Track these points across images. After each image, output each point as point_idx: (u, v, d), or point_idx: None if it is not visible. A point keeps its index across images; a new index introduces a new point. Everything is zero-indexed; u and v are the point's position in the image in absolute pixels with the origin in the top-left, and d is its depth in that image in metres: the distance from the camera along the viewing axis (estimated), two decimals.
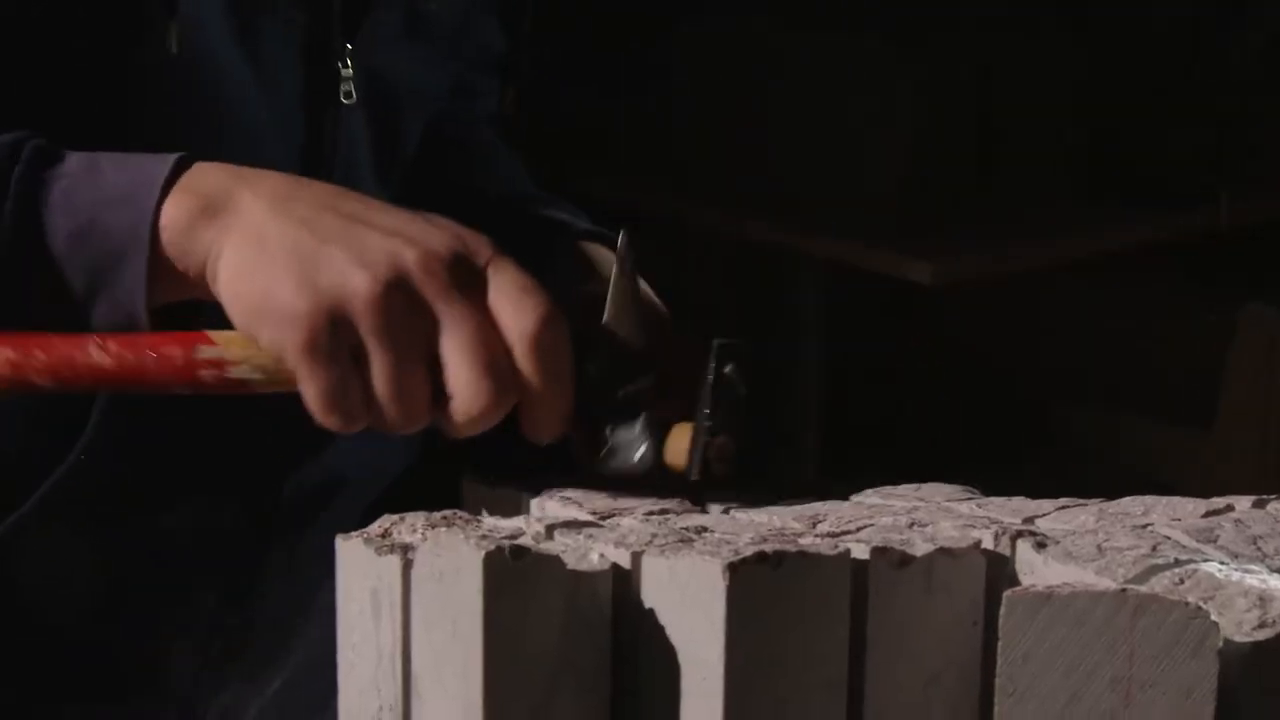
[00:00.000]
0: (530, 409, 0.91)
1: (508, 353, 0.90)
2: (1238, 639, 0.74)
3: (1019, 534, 0.81)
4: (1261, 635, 0.74)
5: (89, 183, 0.93)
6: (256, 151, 1.02)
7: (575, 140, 2.78)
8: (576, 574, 0.80)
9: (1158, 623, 0.73)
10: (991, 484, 0.94)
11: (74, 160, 0.94)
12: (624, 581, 0.81)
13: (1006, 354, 2.95)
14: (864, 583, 0.79)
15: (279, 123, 1.09)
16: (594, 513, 0.91)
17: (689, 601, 0.78)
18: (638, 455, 0.94)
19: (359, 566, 0.85)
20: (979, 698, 0.80)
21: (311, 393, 0.90)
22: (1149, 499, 0.88)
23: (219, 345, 0.92)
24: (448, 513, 0.87)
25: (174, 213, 0.92)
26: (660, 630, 0.79)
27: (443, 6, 1.16)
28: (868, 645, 0.79)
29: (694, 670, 0.78)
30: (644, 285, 1.01)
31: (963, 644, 0.80)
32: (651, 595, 0.80)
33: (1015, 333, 2.95)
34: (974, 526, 0.83)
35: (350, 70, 1.12)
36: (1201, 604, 0.74)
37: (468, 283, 0.90)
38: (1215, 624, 0.73)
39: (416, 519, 0.86)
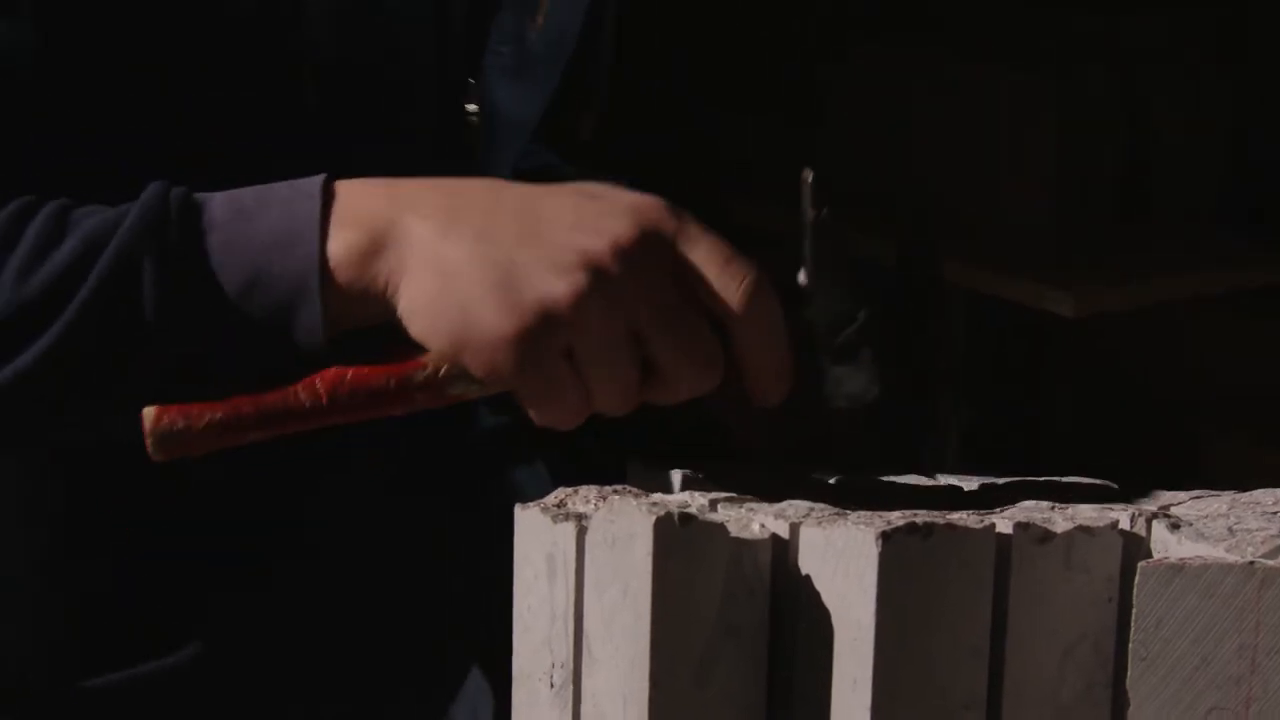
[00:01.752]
0: (753, 378, 0.92)
1: (712, 327, 0.90)
2: None
3: (1154, 516, 0.87)
4: None
5: (242, 231, 0.92)
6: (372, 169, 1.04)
7: (721, 163, 2.84)
8: (739, 541, 0.86)
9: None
10: None
11: (217, 207, 0.93)
12: (782, 550, 0.87)
13: (1149, 385, 2.98)
14: (1007, 556, 0.85)
15: (409, 153, 1.08)
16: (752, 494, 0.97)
17: (844, 568, 0.84)
18: (862, 388, 0.95)
19: (535, 534, 0.91)
20: (1112, 671, 0.85)
21: (531, 401, 0.91)
22: (1267, 489, 0.93)
23: (429, 368, 0.92)
24: (619, 486, 0.93)
25: (340, 251, 0.91)
26: (816, 595, 0.85)
27: (541, 37, 1.17)
28: (1009, 615, 0.85)
29: (847, 632, 0.84)
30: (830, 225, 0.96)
31: (1098, 618, 0.85)
32: (808, 563, 0.86)
33: (1158, 364, 2.98)
34: (1112, 509, 0.88)
35: (476, 105, 1.14)
36: None
37: (660, 262, 0.89)
38: None
39: (590, 491, 0.92)
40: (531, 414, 0.92)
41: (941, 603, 0.84)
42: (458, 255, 0.89)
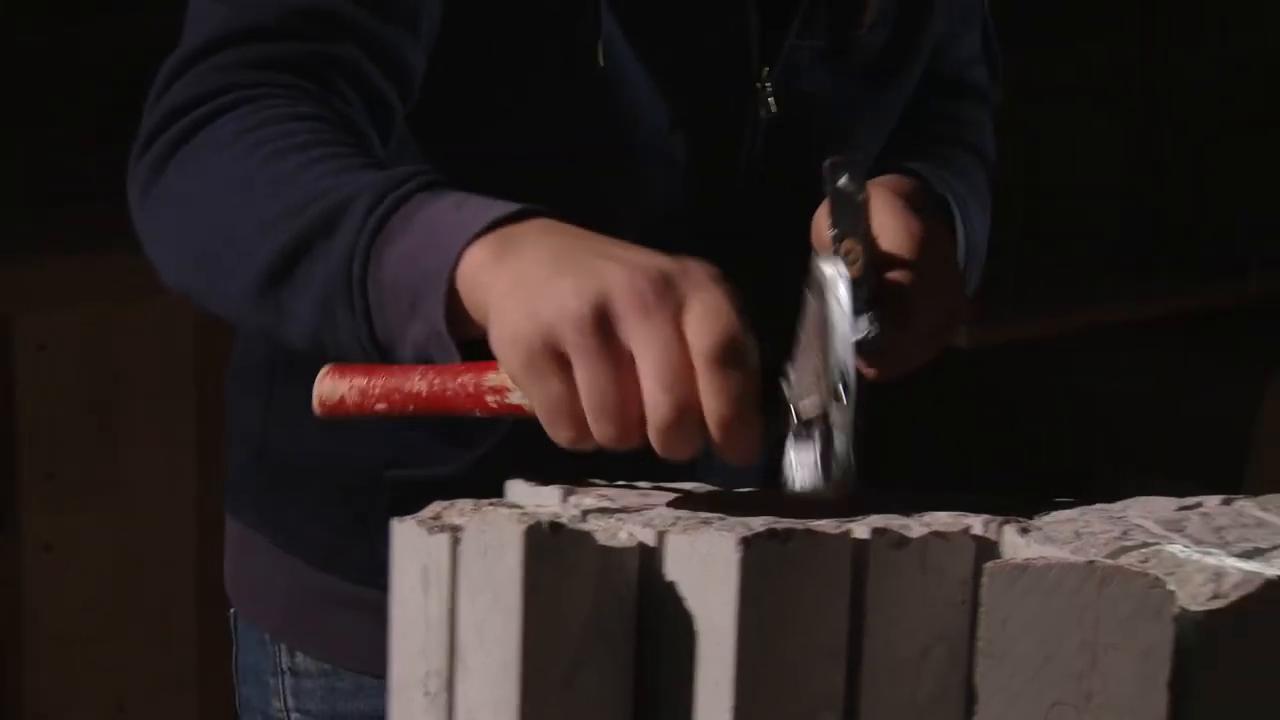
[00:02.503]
0: (713, 429, 0.94)
1: (691, 373, 0.93)
2: (1193, 609, 0.83)
3: (1005, 521, 0.90)
4: (1215, 605, 0.83)
5: (444, 212, 1.02)
6: (653, 157, 1.23)
7: None
8: (606, 549, 0.89)
9: (1121, 592, 0.82)
10: None
11: (449, 198, 1.04)
12: (649, 558, 0.90)
13: (1042, 417, 3.03)
14: (864, 561, 0.88)
15: (683, 131, 1.25)
16: (625, 507, 1.00)
17: (707, 574, 0.87)
18: (810, 477, 0.95)
19: (412, 546, 0.94)
20: (966, 669, 0.89)
21: (537, 409, 0.96)
22: (1129, 499, 0.97)
23: (500, 374, 1.00)
24: (493, 500, 0.96)
25: (476, 253, 1.00)
26: (680, 601, 0.88)
27: (877, 33, 1.29)
28: (866, 618, 0.88)
29: (709, 636, 0.87)
30: (843, 301, 0.98)
31: (952, 620, 0.89)
32: (674, 569, 0.89)
33: (1050, 396, 3.03)
34: (966, 515, 0.92)
35: (769, 87, 1.26)
36: (1161, 577, 0.82)
37: (664, 304, 0.94)
38: (1172, 593, 0.82)
39: (465, 504, 0.95)
40: (545, 428, 0.97)
41: (800, 607, 0.87)
42: (534, 273, 0.97)
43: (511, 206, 1.01)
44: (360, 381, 1.04)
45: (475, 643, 0.91)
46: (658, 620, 0.90)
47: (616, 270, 0.95)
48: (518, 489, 1.05)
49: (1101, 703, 0.82)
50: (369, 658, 1.27)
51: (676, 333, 0.94)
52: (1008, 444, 3.03)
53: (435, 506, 0.95)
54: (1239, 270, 2.80)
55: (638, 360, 0.94)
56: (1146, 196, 2.92)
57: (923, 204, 1.24)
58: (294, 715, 1.39)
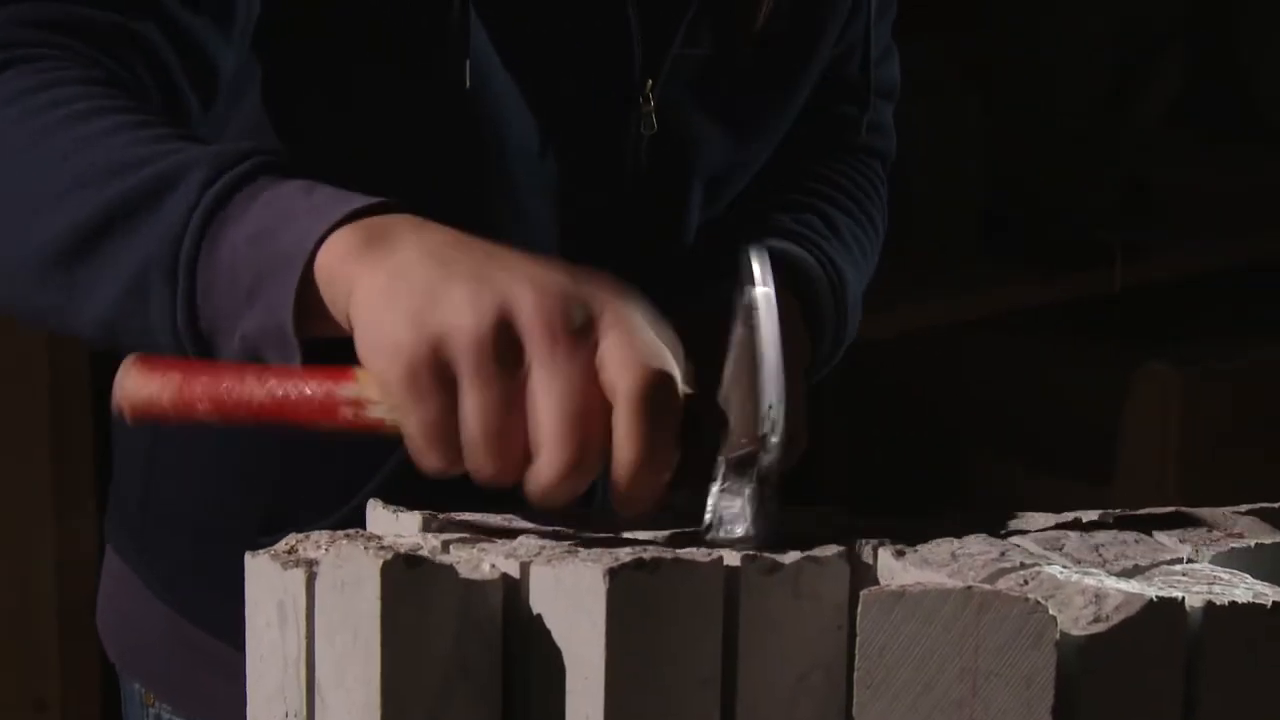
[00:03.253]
0: (619, 475, 0.86)
1: (602, 409, 0.85)
2: (1075, 633, 0.81)
3: (881, 544, 0.88)
4: (1096, 629, 0.81)
5: (295, 196, 0.91)
6: (528, 177, 1.13)
7: None
8: (469, 582, 0.86)
9: (1000, 617, 0.80)
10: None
11: (296, 182, 0.92)
12: (514, 590, 0.87)
13: (915, 409, 3.02)
14: (736, 588, 0.85)
15: (558, 148, 1.14)
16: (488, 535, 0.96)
17: (573, 605, 0.84)
18: (740, 529, 0.89)
19: (266, 581, 0.90)
20: (844, 696, 0.86)
21: (410, 428, 0.86)
22: (1005, 513, 0.94)
23: (359, 383, 0.89)
24: (350, 531, 0.92)
25: (339, 240, 0.89)
26: (547, 634, 0.85)
27: (769, 39, 1.18)
28: (740, 646, 0.85)
29: (578, 670, 0.84)
30: (770, 341, 0.90)
31: (829, 646, 0.86)
32: (539, 602, 0.86)
33: (922, 388, 3.03)
34: (841, 538, 0.89)
35: (651, 105, 1.15)
36: (1041, 601, 0.80)
37: (574, 330, 0.84)
38: (1053, 618, 0.80)
39: (321, 536, 0.91)
40: (412, 451, 0.88)
41: (671, 636, 0.84)
42: (414, 270, 0.87)
43: (370, 198, 0.90)
44: (175, 378, 0.91)
45: (335, 682, 0.87)
46: (525, 654, 0.87)
47: (520, 284, 0.85)
48: (377, 515, 1.01)
49: None
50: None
51: (589, 366, 0.84)
52: (884, 435, 3.03)
53: (291, 539, 0.91)
54: (1105, 260, 2.81)
55: (539, 392, 0.84)
56: (1011, 189, 2.92)
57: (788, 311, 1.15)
58: None
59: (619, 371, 0.84)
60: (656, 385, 0.84)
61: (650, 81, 1.16)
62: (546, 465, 0.85)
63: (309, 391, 0.90)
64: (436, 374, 0.85)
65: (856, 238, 1.23)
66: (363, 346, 0.87)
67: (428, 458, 0.87)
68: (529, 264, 0.87)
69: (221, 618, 1.21)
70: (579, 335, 0.84)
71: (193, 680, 1.29)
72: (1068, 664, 0.81)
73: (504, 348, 0.84)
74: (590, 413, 0.84)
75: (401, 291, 0.86)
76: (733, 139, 1.21)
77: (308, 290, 0.89)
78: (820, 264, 1.18)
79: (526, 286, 0.85)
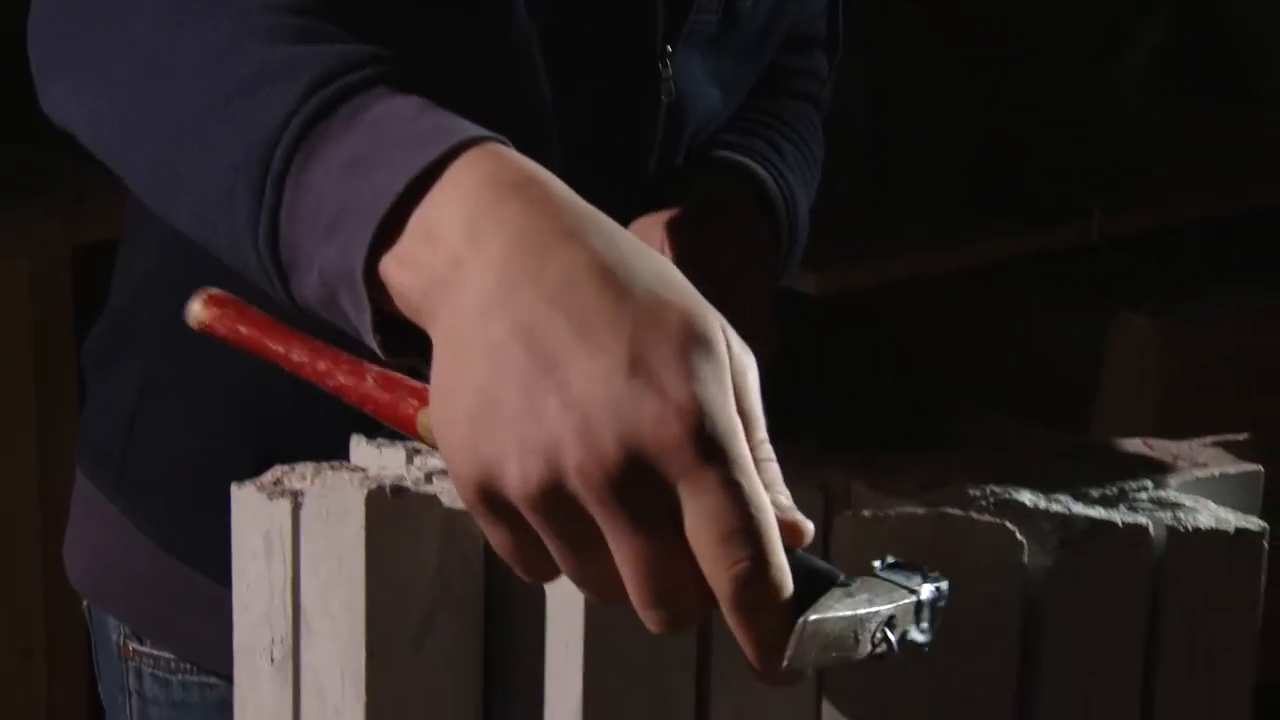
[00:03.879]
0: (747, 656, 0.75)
1: (692, 580, 0.73)
2: (1043, 556, 0.83)
3: (854, 473, 0.90)
4: (1064, 553, 0.83)
5: (403, 119, 0.81)
6: (563, 130, 1.08)
7: None
8: (451, 511, 0.88)
9: (970, 540, 0.82)
10: None
11: (409, 99, 0.82)
12: None
13: (894, 361, 3.05)
14: None
15: (592, 107, 1.10)
16: None
17: None
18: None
19: (252, 512, 0.92)
20: None
21: (491, 542, 0.77)
22: (982, 449, 0.96)
23: (422, 425, 0.81)
24: (335, 463, 0.94)
25: (440, 202, 0.78)
26: None
27: (756, 3, 1.17)
28: None
29: (559, 596, 0.86)
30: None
31: None
32: None
33: (900, 340, 3.05)
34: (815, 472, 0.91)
35: (670, 70, 1.11)
36: (1010, 525, 0.82)
37: (639, 502, 0.72)
38: (1021, 542, 0.82)
39: (306, 468, 0.93)
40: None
41: None
42: (468, 356, 0.75)
43: (472, 130, 0.79)
44: (242, 332, 0.87)
45: (320, 609, 0.89)
46: (506, 581, 0.89)
47: (571, 437, 0.72)
48: (361, 449, 1.03)
49: (953, 649, 0.82)
50: (220, 656, 1.13)
51: (661, 537, 0.72)
52: (861, 389, 3.05)
53: (276, 471, 0.93)
54: (1083, 214, 2.83)
55: (616, 555, 0.73)
56: (994, 143, 2.94)
57: (748, 220, 1.17)
58: None
59: (711, 566, 0.72)
60: (751, 583, 0.72)
61: (669, 48, 1.13)
62: (642, 618, 0.75)
63: (368, 406, 0.83)
64: (496, 507, 0.75)
65: (799, 164, 1.24)
66: (433, 415, 0.77)
67: (517, 569, 0.77)
68: (590, 366, 0.72)
69: (209, 555, 1.20)
70: (648, 506, 0.72)
71: (174, 615, 1.27)
72: (1035, 587, 0.83)
73: (557, 505, 0.73)
74: (676, 576, 0.73)
75: (458, 387, 0.75)
76: (723, 99, 1.22)
77: (392, 233, 0.78)
78: (772, 176, 1.19)
79: (578, 438, 0.72)
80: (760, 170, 1.18)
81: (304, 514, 0.90)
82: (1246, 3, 3.24)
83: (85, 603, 1.34)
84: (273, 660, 0.93)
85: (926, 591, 0.77)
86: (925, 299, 2.96)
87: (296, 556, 0.90)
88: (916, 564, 0.78)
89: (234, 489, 0.93)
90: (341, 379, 0.83)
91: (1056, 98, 2.92)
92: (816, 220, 1.27)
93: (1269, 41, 3.25)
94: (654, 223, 1.11)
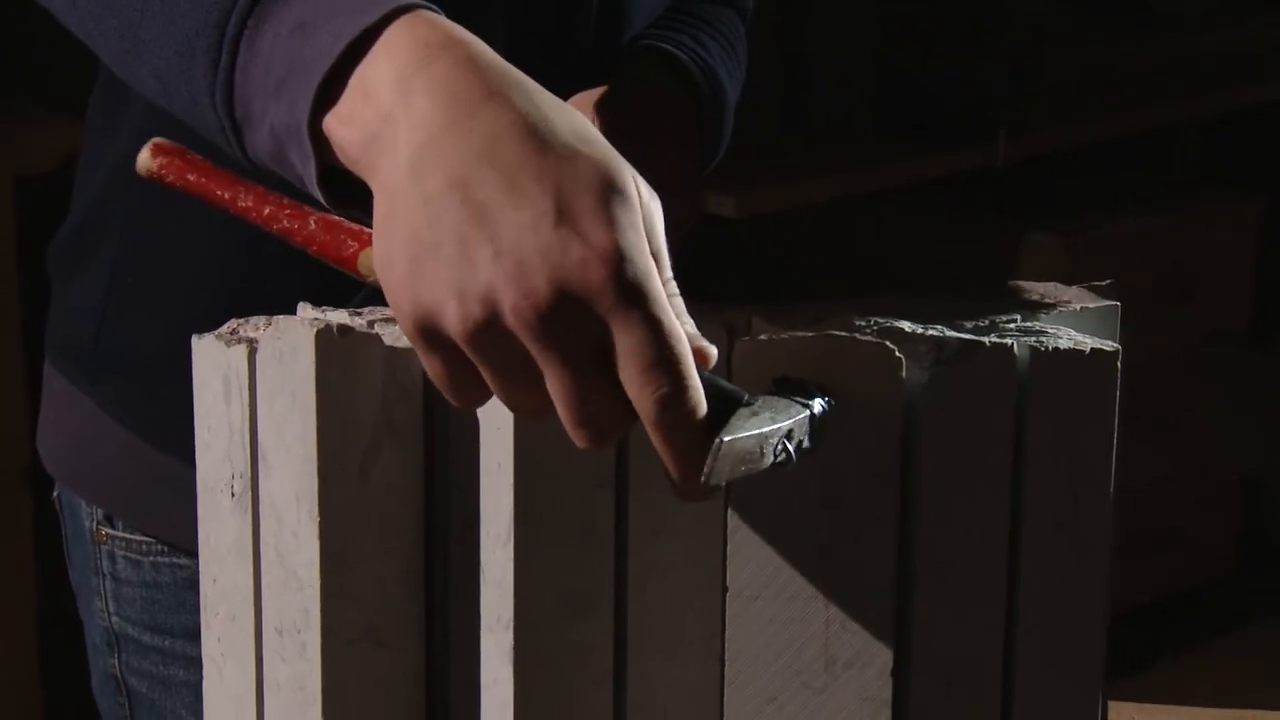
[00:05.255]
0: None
1: (614, 403, 0.82)
2: (919, 372, 0.93)
3: (754, 310, 1.00)
4: (938, 370, 0.93)
5: (293, 45, 0.88)
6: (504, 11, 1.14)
7: None
8: (394, 350, 0.97)
9: (854, 357, 0.92)
10: None
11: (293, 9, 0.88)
12: None
13: (809, 282, 3.15)
14: None
15: (534, 7, 1.17)
16: None
17: None
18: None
19: (212, 359, 1.01)
20: None
21: (426, 370, 0.86)
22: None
23: (362, 263, 0.91)
24: (284, 316, 1.04)
25: (380, 59, 0.85)
26: None
27: None
28: None
29: (490, 422, 0.96)
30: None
31: None
32: None
33: (816, 260, 3.14)
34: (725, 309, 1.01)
35: None
36: (890, 344, 0.92)
37: (569, 338, 0.81)
38: (900, 358, 0.92)
39: (259, 320, 1.02)
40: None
41: None
42: (402, 211, 0.83)
43: (413, 0, 0.86)
44: (190, 179, 0.95)
45: (276, 443, 0.99)
46: (444, 412, 0.98)
47: (504, 281, 0.80)
48: (307, 313, 1.12)
49: (843, 458, 0.92)
50: (190, 535, 1.18)
51: (593, 362, 0.81)
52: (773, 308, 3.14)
53: (232, 323, 1.02)
54: (989, 136, 2.93)
55: (549, 384, 0.82)
56: (901, 66, 3.04)
57: (670, 99, 1.24)
58: (115, 619, 1.35)
59: (636, 391, 0.81)
60: (672, 403, 0.81)
61: None
62: (570, 435, 0.84)
63: (312, 247, 0.93)
64: (434, 340, 0.83)
65: (723, 58, 1.31)
66: (375, 261, 0.85)
67: (451, 399, 0.86)
68: (520, 217, 0.81)
69: (178, 437, 1.23)
70: (578, 339, 0.81)
71: (147, 498, 1.33)
72: (914, 399, 0.93)
73: (493, 341, 0.82)
74: (601, 400, 0.82)
75: (395, 237, 0.83)
76: None
77: (334, 92, 0.86)
78: (695, 62, 1.28)
79: (512, 280, 0.80)
80: (684, 56, 1.26)
81: (259, 356, 0.99)
82: None
83: (56, 493, 1.40)
84: (233, 495, 1.02)
85: (818, 405, 0.88)
86: (833, 222, 3.06)
87: (253, 397, 0.99)
88: (806, 381, 0.89)
89: (194, 340, 1.02)
90: (286, 223, 0.93)
91: (965, 23, 3.02)
92: (735, 139, 1.36)
93: None
94: (582, 101, 1.19)
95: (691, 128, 1.26)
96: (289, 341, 0.97)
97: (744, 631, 0.96)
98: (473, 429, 0.97)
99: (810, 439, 0.88)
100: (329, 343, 0.96)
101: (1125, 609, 3.01)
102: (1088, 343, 0.97)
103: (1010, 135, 2.94)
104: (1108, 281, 1.06)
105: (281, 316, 1.01)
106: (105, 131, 1.31)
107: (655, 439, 0.83)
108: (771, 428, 0.86)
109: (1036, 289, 1.04)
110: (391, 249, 0.83)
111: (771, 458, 0.86)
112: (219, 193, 0.95)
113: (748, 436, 0.85)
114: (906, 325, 0.96)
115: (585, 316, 0.81)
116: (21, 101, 2.57)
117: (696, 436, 0.83)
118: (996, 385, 0.95)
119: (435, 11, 0.87)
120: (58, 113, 2.46)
